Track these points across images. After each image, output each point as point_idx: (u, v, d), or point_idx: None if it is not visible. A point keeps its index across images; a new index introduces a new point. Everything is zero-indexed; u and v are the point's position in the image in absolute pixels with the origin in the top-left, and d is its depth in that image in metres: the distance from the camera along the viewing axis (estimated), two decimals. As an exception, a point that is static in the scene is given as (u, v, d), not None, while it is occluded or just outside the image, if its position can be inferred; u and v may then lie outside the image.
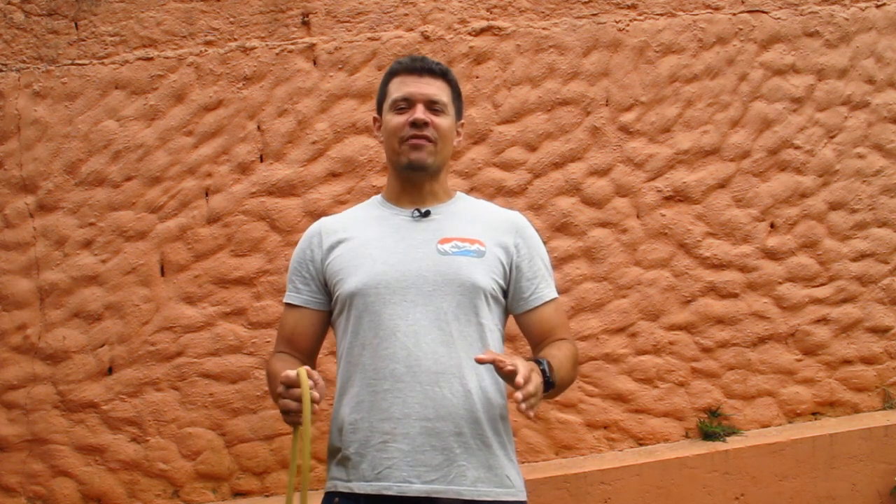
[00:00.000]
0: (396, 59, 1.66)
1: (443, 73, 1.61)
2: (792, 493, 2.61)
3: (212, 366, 2.55)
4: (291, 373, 1.35)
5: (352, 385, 1.51)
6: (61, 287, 2.52)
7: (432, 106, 1.57)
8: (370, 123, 2.62)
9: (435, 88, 1.58)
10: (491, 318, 1.55)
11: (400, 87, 1.58)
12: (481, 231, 1.58)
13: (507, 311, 1.64)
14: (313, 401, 1.33)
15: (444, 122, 1.58)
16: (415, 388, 1.45)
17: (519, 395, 1.25)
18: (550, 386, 1.41)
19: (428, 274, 1.50)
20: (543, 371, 1.38)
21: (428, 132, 1.55)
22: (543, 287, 1.61)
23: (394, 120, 1.57)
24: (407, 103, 1.57)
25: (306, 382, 1.32)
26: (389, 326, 1.48)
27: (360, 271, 1.53)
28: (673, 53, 2.79)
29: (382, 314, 1.49)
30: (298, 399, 1.34)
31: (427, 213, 1.60)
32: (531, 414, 1.28)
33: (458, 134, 1.67)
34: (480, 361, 1.32)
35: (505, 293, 1.60)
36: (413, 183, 1.61)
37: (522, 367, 1.29)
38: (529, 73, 2.72)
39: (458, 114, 1.66)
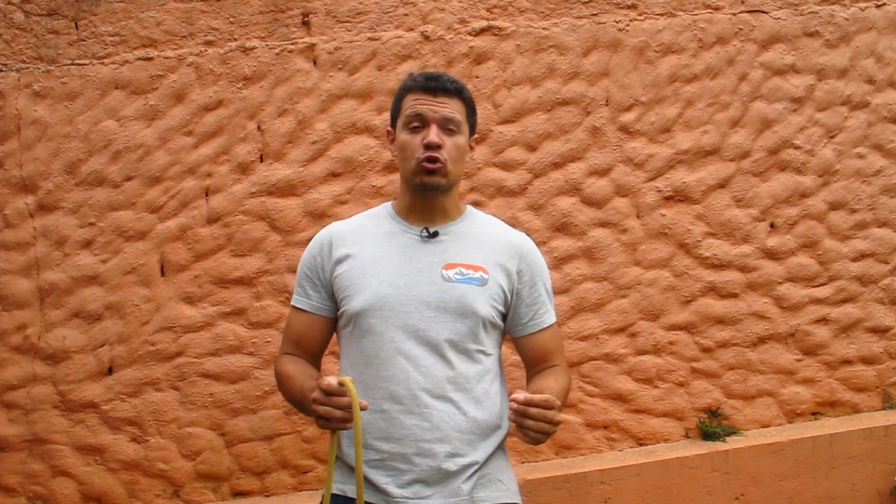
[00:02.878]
0: (411, 75, 1.65)
1: (458, 92, 1.60)
2: (792, 493, 2.61)
3: (212, 366, 2.55)
4: (332, 381, 1.39)
5: None
6: (61, 287, 2.52)
7: (446, 125, 1.56)
8: (370, 123, 2.62)
9: (449, 108, 1.57)
10: (489, 344, 1.59)
11: (414, 106, 1.57)
12: (485, 255, 1.60)
13: (504, 334, 1.67)
14: (363, 408, 1.38)
15: (458, 141, 1.58)
16: (413, 411, 1.50)
17: (524, 397, 1.36)
18: None
19: (431, 300, 1.53)
20: None
21: (440, 154, 1.55)
22: (542, 313, 1.64)
23: (408, 139, 1.57)
24: (420, 121, 1.57)
25: (354, 391, 1.37)
26: (391, 348, 1.52)
27: (367, 291, 1.55)
28: (673, 53, 2.79)
29: (385, 336, 1.53)
30: (342, 407, 1.38)
31: (435, 234, 1.61)
32: (513, 417, 1.37)
33: (472, 149, 1.68)
34: (515, 401, 1.37)
35: (504, 316, 1.63)
36: (425, 200, 1.61)
37: (552, 398, 1.39)
38: (529, 73, 2.72)
39: (472, 129, 1.66)
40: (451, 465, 1.49)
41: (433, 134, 1.54)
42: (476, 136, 1.71)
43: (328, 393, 1.38)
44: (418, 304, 1.53)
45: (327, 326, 1.66)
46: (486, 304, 1.56)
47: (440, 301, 1.53)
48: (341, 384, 1.38)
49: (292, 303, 1.69)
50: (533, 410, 1.35)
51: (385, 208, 1.71)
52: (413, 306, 1.53)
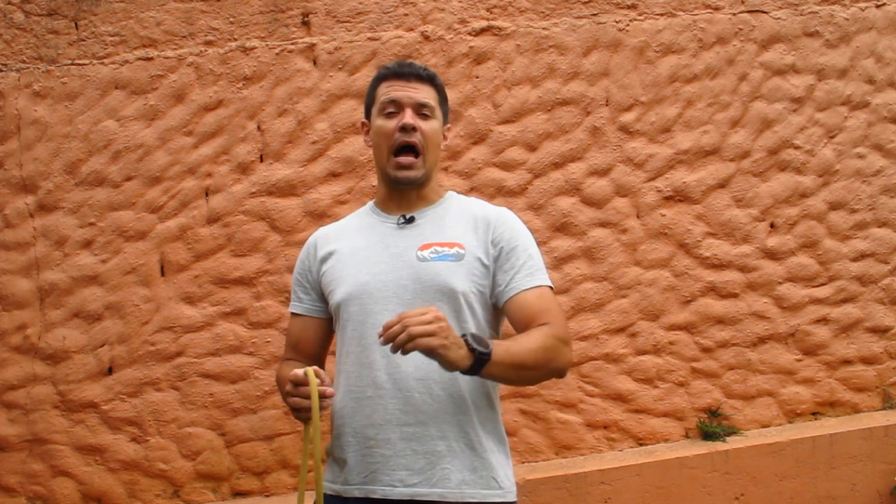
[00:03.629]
0: (383, 65, 1.68)
1: (430, 78, 1.63)
2: (792, 493, 2.61)
3: (212, 366, 2.55)
4: (299, 372, 1.41)
5: (339, 391, 1.55)
6: (61, 287, 2.52)
7: (420, 110, 1.58)
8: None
9: (423, 93, 1.59)
10: (475, 322, 1.54)
11: (388, 92, 1.59)
12: (462, 233, 1.59)
13: (499, 313, 1.62)
14: (325, 395, 1.39)
15: (432, 125, 1.60)
16: (396, 396, 1.49)
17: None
18: (483, 356, 1.35)
19: (407, 282, 1.53)
20: (466, 341, 1.35)
21: (415, 138, 1.56)
22: (522, 276, 1.56)
23: (383, 124, 1.59)
24: (395, 107, 1.58)
25: (314, 381, 1.38)
26: (371, 335, 1.50)
27: (347, 282, 1.57)
28: (673, 53, 2.79)
29: (365, 323, 1.53)
30: (308, 396, 1.39)
31: (411, 220, 1.61)
32: (382, 341, 1.30)
33: (445, 138, 1.69)
34: (380, 335, 1.32)
35: (491, 291, 1.58)
36: (402, 190, 1.62)
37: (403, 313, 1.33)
38: (529, 73, 2.72)
39: (445, 117, 1.68)
40: (437, 448, 1.47)
41: (408, 116, 1.56)
42: (448, 126, 1.72)
43: (297, 384, 1.41)
44: (396, 288, 1.53)
45: (322, 328, 1.68)
46: (464, 280, 1.52)
47: (416, 282, 1.52)
48: (306, 374, 1.40)
49: (289, 310, 1.72)
50: (395, 328, 1.29)
51: (368, 205, 1.74)
52: (391, 291, 1.53)
